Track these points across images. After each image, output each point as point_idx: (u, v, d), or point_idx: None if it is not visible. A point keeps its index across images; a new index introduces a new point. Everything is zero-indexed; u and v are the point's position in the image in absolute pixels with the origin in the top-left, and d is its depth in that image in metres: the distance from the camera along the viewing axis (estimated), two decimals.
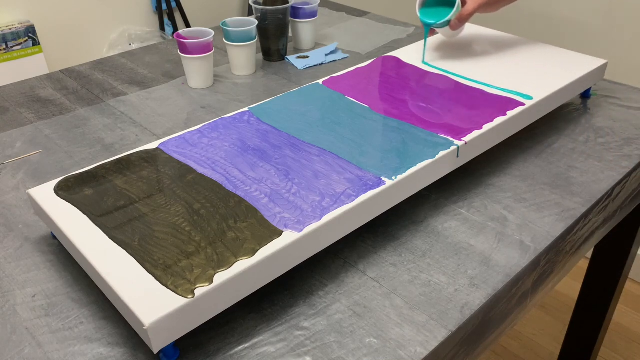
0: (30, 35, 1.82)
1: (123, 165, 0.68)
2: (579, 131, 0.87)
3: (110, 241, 0.56)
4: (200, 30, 1.00)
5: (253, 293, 0.57)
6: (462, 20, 0.89)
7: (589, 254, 1.15)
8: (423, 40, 0.96)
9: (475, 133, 0.72)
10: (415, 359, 0.51)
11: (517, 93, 0.81)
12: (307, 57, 1.13)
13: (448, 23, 0.89)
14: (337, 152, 0.69)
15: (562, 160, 0.80)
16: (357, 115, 0.77)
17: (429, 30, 0.92)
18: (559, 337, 1.52)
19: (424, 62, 0.92)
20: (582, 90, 0.91)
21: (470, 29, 1.05)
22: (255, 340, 0.54)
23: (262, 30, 1.08)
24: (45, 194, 0.63)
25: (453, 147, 0.69)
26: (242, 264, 0.52)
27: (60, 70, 1.09)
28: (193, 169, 0.67)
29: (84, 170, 0.67)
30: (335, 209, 0.59)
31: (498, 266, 0.62)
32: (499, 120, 0.75)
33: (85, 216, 0.59)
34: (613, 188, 0.75)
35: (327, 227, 0.58)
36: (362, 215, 0.61)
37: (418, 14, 0.92)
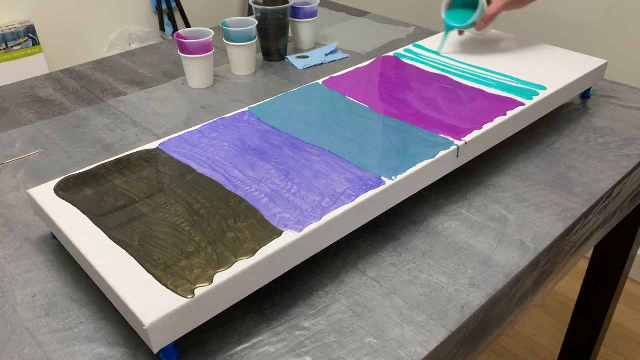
0: (30, 35, 1.82)
1: (123, 165, 0.68)
2: (579, 131, 0.87)
3: (110, 241, 0.56)
4: (200, 30, 1.00)
5: (253, 293, 0.57)
6: (487, 20, 0.88)
7: (589, 254, 1.15)
8: (443, 34, 0.97)
9: (475, 133, 0.72)
10: (415, 359, 0.51)
11: (532, 84, 0.83)
12: (307, 57, 1.13)
13: (473, 25, 0.89)
14: (337, 152, 0.69)
15: (562, 160, 0.80)
16: (357, 115, 0.77)
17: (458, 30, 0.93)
18: (559, 337, 1.52)
19: (439, 53, 0.94)
20: (582, 90, 0.91)
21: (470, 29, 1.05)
22: (255, 340, 0.54)
23: (262, 30, 1.08)
24: (45, 194, 0.63)
25: (453, 147, 0.69)
26: (242, 264, 0.52)
27: (60, 70, 1.09)
28: (193, 169, 0.67)
29: (84, 170, 0.67)
30: (335, 209, 0.59)
31: (498, 266, 0.62)
32: (499, 120, 0.75)
33: (85, 216, 0.59)
34: (613, 188, 0.75)
35: (327, 227, 0.58)
36: (362, 215, 0.61)
37: (443, 16, 0.91)
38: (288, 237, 0.55)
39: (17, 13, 1.85)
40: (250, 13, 2.13)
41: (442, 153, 0.68)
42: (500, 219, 0.69)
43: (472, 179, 0.76)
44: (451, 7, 0.92)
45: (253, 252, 0.53)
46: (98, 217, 0.59)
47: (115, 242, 0.55)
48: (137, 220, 0.58)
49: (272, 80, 1.04)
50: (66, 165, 0.80)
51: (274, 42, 1.09)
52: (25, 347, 0.53)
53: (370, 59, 0.98)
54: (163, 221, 0.58)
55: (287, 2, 1.09)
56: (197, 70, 0.99)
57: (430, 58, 0.94)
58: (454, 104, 0.79)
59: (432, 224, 0.68)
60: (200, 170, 0.66)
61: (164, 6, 2.19)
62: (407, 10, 1.96)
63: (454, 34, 1.01)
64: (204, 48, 0.97)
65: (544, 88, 0.82)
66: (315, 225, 0.57)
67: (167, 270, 0.52)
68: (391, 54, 0.97)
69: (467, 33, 1.01)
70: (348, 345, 0.53)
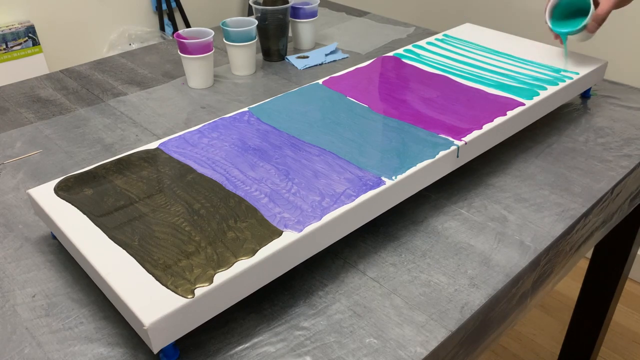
0: (30, 35, 1.82)
1: (123, 165, 0.68)
2: (579, 131, 0.87)
3: (110, 241, 0.56)
4: (200, 30, 1.00)
5: (253, 293, 0.57)
6: (599, 21, 0.86)
7: (589, 254, 1.15)
8: (564, 50, 0.94)
9: (475, 133, 0.72)
10: (415, 359, 0.51)
11: (565, 70, 0.86)
12: (307, 57, 1.13)
13: (583, 28, 0.87)
14: (337, 152, 0.69)
15: (562, 160, 0.80)
16: (357, 115, 0.77)
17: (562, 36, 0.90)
18: (559, 337, 1.52)
19: (565, 70, 0.89)
20: (582, 90, 0.91)
21: (470, 29, 1.05)
22: (255, 340, 0.54)
23: (262, 30, 1.08)
24: (45, 194, 0.63)
25: (453, 147, 0.69)
26: (242, 264, 0.52)
27: (60, 70, 1.09)
28: (193, 168, 0.67)
29: (84, 170, 0.67)
30: (335, 209, 0.59)
31: (498, 266, 0.62)
32: (499, 120, 0.75)
33: (85, 216, 0.59)
34: (613, 188, 0.75)
35: (327, 227, 0.58)
36: (362, 215, 0.61)
37: (549, 25, 0.89)
38: (288, 237, 0.55)
39: (17, 13, 1.85)
40: (250, 13, 2.13)
41: (442, 153, 0.68)
42: (500, 219, 0.69)
43: (472, 179, 0.76)
44: (552, 16, 0.90)
45: (253, 252, 0.53)
46: (98, 217, 0.59)
47: (115, 242, 0.55)
48: (137, 220, 0.58)
49: (272, 80, 1.04)
50: (66, 165, 0.80)
51: (274, 42, 1.09)
52: (25, 347, 0.53)
53: (370, 59, 0.98)
54: (163, 221, 0.58)
55: (287, 2, 1.09)
56: (197, 70, 0.99)
57: (430, 58, 0.94)
58: (454, 104, 0.79)
59: (432, 224, 0.68)
60: (200, 170, 0.66)
61: (164, 6, 2.19)
62: (407, 10, 1.96)
63: (474, 35, 1.01)
64: (204, 48, 0.97)
65: (544, 88, 0.82)
66: (315, 225, 0.57)
67: (167, 270, 0.52)
68: (391, 54, 0.97)
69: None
70: (348, 345, 0.53)
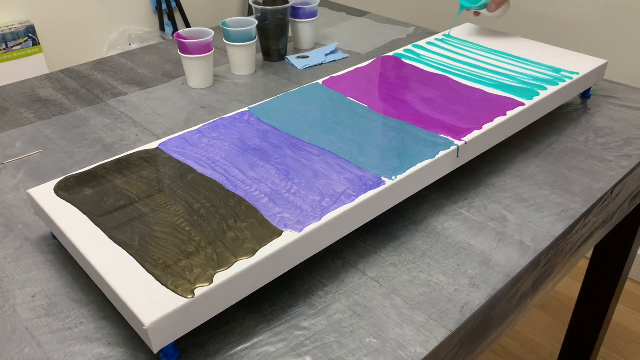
0: (30, 35, 1.82)
1: (123, 165, 0.68)
2: (579, 131, 0.87)
3: (110, 241, 0.56)
4: (200, 30, 1.00)
5: (253, 293, 0.57)
6: (497, 3, 0.93)
7: (589, 254, 1.15)
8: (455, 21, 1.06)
9: (475, 133, 0.72)
10: (415, 359, 0.51)
11: (566, 70, 0.86)
12: (307, 57, 1.13)
13: (485, 6, 0.96)
14: (337, 152, 0.69)
15: (562, 160, 0.80)
16: (357, 115, 0.77)
17: (474, 12, 1.00)
18: (559, 337, 1.52)
19: (448, 35, 1.01)
20: (582, 90, 0.91)
21: (470, 29, 1.05)
22: (255, 340, 0.54)
23: (262, 30, 1.08)
24: (45, 194, 0.63)
25: (453, 147, 0.69)
26: (242, 264, 0.52)
27: (60, 70, 1.09)
28: (193, 168, 0.67)
29: (84, 170, 0.67)
30: (335, 209, 0.59)
31: (498, 266, 0.62)
32: (499, 120, 0.75)
33: (85, 216, 0.59)
34: (613, 188, 0.75)
35: (327, 227, 0.58)
36: (362, 215, 0.61)
37: None
38: (288, 237, 0.55)
39: (17, 13, 1.85)
40: (250, 13, 2.13)
41: (442, 153, 0.68)
42: (500, 219, 0.69)
43: (472, 179, 0.76)
44: None
45: (253, 252, 0.53)
46: (98, 217, 0.59)
47: (115, 242, 0.55)
48: (137, 220, 0.58)
49: (272, 80, 1.04)
50: (66, 165, 0.80)
51: (274, 42, 1.09)
52: (25, 347, 0.53)
53: (370, 59, 0.98)
54: (163, 221, 0.58)
55: (287, 2, 1.09)
56: (197, 70, 0.99)
57: (430, 58, 0.94)
58: (454, 104, 0.79)
59: (432, 224, 0.68)
60: (200, 170, 0.66)
61: (164, 6, 2.19)
62: (407, 10, 1.96)
63: (468, 21, 1.05)
64: (204, 48, 0.97)
65: (543, 88, 0.82)
66: (315, 225, 0.57)
67: (167, 270, 0.52)
68: (391, 54, 0.97)
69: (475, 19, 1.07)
70: (348, 345, 0.53)
